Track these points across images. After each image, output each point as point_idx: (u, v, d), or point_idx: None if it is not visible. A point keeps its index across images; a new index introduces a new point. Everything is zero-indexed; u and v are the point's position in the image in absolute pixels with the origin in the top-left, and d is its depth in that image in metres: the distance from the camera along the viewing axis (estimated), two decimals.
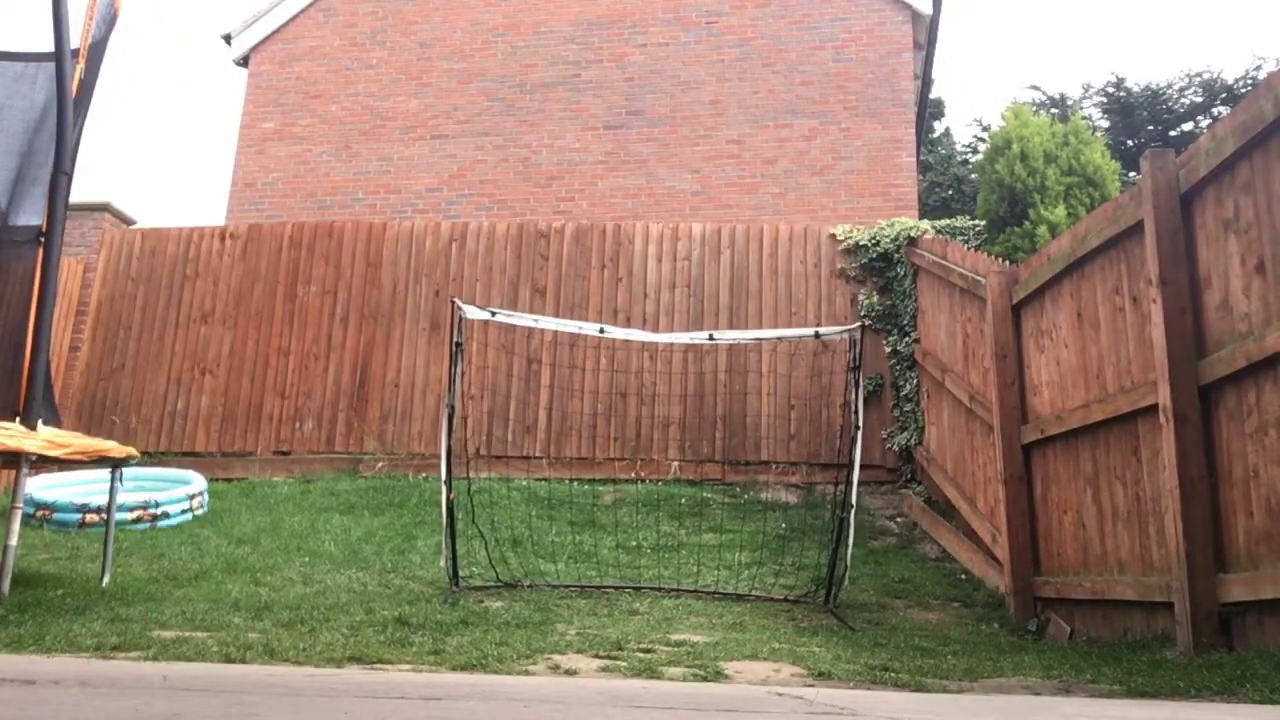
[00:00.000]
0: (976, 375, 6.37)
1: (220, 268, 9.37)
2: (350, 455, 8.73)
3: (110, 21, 5.32)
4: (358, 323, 9.07)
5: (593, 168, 11.17)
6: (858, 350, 5.68)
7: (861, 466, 5.68)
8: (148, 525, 7.01)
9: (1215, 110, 18.84)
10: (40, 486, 7.34)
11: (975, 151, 21.53)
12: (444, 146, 11.52)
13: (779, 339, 7.67)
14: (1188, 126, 19.33)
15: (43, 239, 5.05)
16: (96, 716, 1.74)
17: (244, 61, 12.30)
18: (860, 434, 5.53)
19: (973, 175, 17.85)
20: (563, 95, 11.44)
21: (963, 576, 6.23)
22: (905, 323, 8.31)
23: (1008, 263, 6.56)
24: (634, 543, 6.80)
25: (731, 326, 8.56)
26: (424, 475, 8.34)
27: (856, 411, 5.56)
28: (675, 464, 8.43)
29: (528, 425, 8.63)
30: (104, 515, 6.05)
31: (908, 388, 8.19)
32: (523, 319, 6.39)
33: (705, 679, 3.44)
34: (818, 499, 7.78)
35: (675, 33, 11.45)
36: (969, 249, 7.15)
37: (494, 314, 6.01)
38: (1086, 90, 20.47)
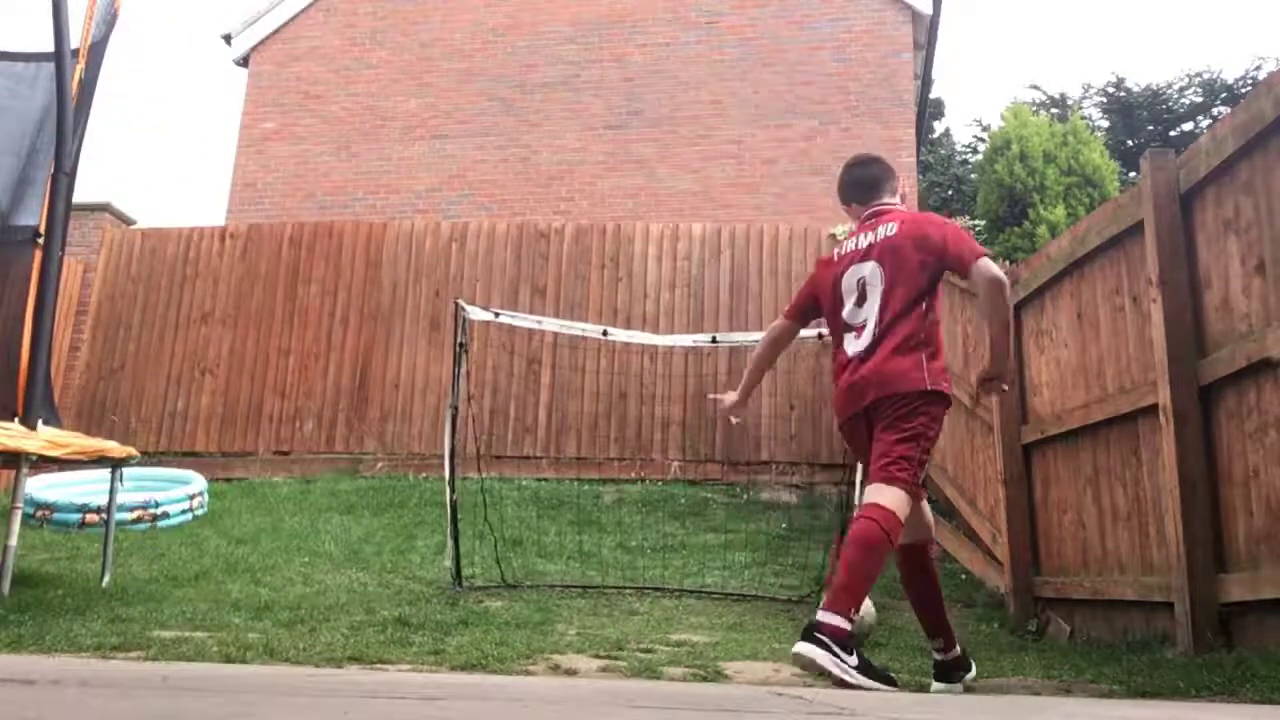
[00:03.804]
0: (976, 375, 6.36)
1: (220, 268, 9.36)
2: (350, 455, 8.73)
3: (110, 21, 5.31)
4: (358, 323, 9.06)
5: (593, 168, 11.16)
6: None
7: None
8: (148, 525, 7.01)
9: (1215, 110, 18.80)
10: (40, 486, 7.33)
11: (975, 151, 21.49)
12: (444, 146, 11.51)
13: None
14: (1188, 126, 19.29)
15: (41, 239, 5.04)
16: (96, 716, 1.74)
17: (244, 61, 12.30)
18: None
19: (973, 175, 17.84)
20: (563, 95, 11.44)
21: (963, 576, 6.23)
22: None
23: (1008, 263, 6.56)
24: (634, 543, 6.79)
25: (731, 327, 8.55)
26: (424, 475, 8.34)
27: None
28: (675, 464, 8.42)
29: (528, 425, 8.63)
30: (104, 515, 6.04)
31: None
32: (525, 320, 6.38)
33: (705, 679, 3.44)
34: (818, 499, 7.78)
35: (675, 33, 11.45)
36: None
37: (497, 315, 6.00)
38: (1086, 90, 20.42)
